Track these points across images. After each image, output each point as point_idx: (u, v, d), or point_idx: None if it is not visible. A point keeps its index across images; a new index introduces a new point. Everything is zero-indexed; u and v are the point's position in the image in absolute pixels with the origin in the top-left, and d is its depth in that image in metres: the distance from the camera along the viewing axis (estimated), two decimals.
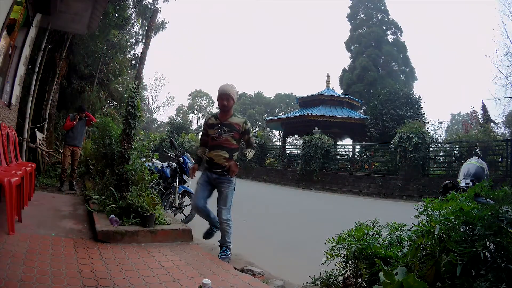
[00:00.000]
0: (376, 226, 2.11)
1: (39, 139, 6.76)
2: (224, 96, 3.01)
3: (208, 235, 3.20)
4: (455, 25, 66.77)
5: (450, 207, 1.64)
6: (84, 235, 2.96)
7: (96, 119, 5.64)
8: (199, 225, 4.01)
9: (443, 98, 63.33)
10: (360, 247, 1.89)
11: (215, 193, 3.08)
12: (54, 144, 8.10)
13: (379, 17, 29.20)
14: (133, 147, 3.76)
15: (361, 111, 22.01)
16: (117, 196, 3.56)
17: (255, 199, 8.88)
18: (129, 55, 12.62)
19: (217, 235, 3.10)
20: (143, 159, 3.93)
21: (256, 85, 75.06)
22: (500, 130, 14.49)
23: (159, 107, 45.00)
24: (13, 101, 4.84)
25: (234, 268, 2.61)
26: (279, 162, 16.36)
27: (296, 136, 24.82)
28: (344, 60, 65.52)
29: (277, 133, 37.50)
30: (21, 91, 5.37)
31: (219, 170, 2.99)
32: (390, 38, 28.73)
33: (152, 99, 43.97)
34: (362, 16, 30.06)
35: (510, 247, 1.41)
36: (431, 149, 10.66)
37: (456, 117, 40.01)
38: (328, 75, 19.87)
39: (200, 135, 3.38)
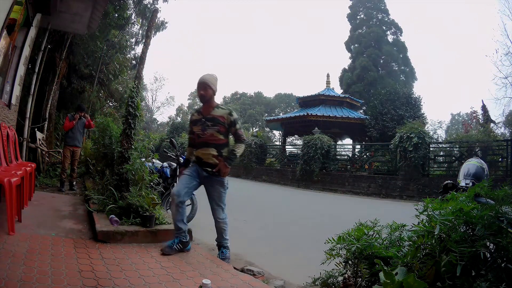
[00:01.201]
0: (376, 226, 2.11)
1: (39, 139, 6.76)
2: (201, 86, 2.79)
3: (169, 248, 2.69)
4: (455, 25, 66.94)
5: (450, 207, 1.64)
6: (84, 235, 2.96)
7: (94, 123, 5.59)
8: (199, 225, 4.02)
9: (443, 98, 63.53)
10: (360, 247, 1.89)
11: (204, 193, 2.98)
12: (54, 144, 8.11)
13: (379, 17, 29.18)
14: (133, 147, 3.76)
15: (361, 111, 21.99)
16: (117, 196, 3.56)
17: (255, 199, 8.88)
18: (129, 55, 12.64)
19: (212, 236, 3.05)
20: (143, 159, 3.93)
21: (256, 85, 74.86)
22: (500, 130, 14.54)
23: (159, 107, 44.99)
24: (13, 101, 4.84)
25: (234, 268, 2.61)
26: (279, 162, 16.35)
27: (296, 136, 24.78)
28: (344, 60, 65.75)
29: (277, 133, 37.47)
30: (21, 91, 5.37)
31: (209, 169, 2.81)
32: (390, 38, 28.72)
33: (152, 99, 43.94)
34: (362, 16, 30.05)
35: (510, 247, 1.41)
36: (431, 149, 10.64)
37: (456, 117, 40.04)
38: (328, 75, 19.87)
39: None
